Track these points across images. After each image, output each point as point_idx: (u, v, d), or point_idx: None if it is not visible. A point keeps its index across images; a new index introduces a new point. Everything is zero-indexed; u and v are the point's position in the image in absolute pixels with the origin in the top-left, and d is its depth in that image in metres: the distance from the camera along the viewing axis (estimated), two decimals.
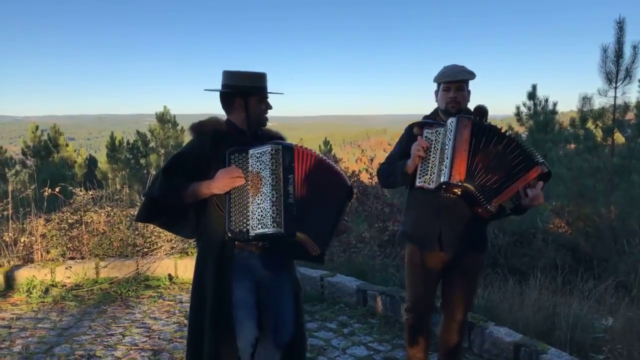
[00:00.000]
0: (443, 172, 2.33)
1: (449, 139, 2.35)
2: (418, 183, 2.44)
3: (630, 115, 8.11)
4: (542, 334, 3.30)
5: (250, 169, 2.08)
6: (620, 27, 7.21)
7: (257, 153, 2.08)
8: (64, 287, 4.70)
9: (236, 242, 2.15)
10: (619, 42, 7.26)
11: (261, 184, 2.04)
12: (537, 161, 2.31)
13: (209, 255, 2.18)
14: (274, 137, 2.33)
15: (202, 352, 2.17)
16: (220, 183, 2.07)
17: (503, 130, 2.38)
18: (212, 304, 2.14)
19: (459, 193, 2.40)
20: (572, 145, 9.65)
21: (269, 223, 1.99)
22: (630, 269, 5.38)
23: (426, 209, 2.54)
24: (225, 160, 2.11)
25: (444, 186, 2.35)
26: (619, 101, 7.74)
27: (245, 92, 2.22)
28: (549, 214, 8.31)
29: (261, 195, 2.03)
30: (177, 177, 2.14)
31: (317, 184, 2.14)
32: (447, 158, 2.33)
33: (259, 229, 2.01)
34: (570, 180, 7.66)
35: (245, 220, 2.05)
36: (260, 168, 2.05)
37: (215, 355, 2.13)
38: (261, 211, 2.02)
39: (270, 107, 2.30)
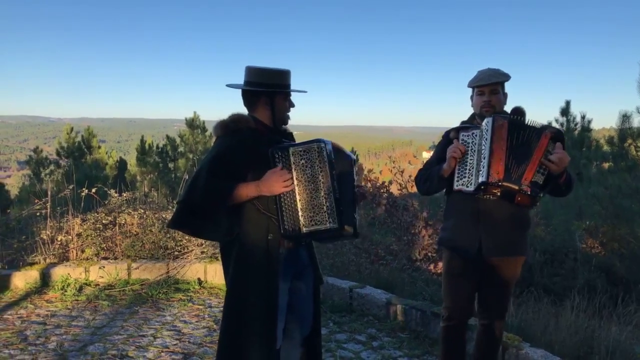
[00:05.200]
0: (481, 172, 2.31)
1: (485, 139, 2.35)
2: (456, 186, 2.42)
3: None
4: (579, 358, 3.20)
5: (293, 166, 2.10)
6: None
7: (300, 151, 2.10)
8: (97, 287, 4.80)
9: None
10: None
11: (310, 181, 2.07)
12: (543, 127, 2.35)
13: (252, 258, 2.16)
14: (290, 135, 2.34)
15: (237, 355, 2.17)
16: (273, 186, 2.07)
17: (533, 123, 2.37)
18: (261, 309, 2.14)
19: (499, 194, 2.36)
20: (606, 164, 9.41)
21: (325, 219, 2.04)
22: None
23: (465, 214, 2.51)
24: (270, 159, 2.12)
25: (482, 187, 2.32)
26: None
27: (272, 89, 2.19)
28: (582, 233, 8.10)
29: (310, 192, 2.07)
30: (221, 181, 2.10)
31: (342, 171, 2.18)
32: (484, 158, 2.32)
33: (312, 225, 2.06)
34: (607, 199, 7.45)
35: (296, 218, 2.08)
36: (307, 165, 2.08)
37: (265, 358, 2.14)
38: (313, 208, 2.06)
39: (293, 105, 2.29)
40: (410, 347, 3.60)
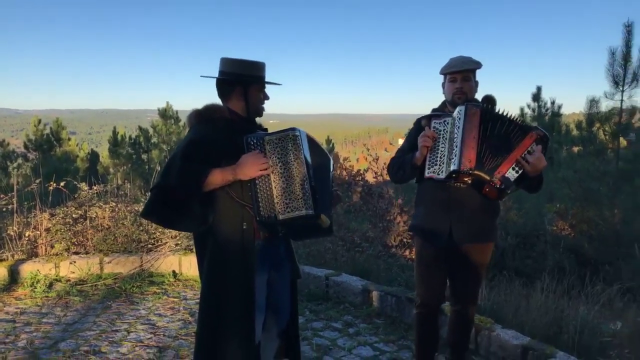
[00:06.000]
0: (453, 160, 2.31)
1: (458, 127, 2.34)
2: (427, 174, 2.43)
3: (637, 119, 8.10)
4: (548, 338, 3.28)
5: (268, 154, 2.09)
6: (629, 30, 7.19)
7: (275, 139, 2.10)
8: (68, 282, 4.69)
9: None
10: (627, 46, 7.25)
11: (284, 168, 2.07)
12: (531, 127, 2.35)
13: (227, 248, 2.14)
14: (265, 129, 2.34)
15: (216, 352, 2.16)
16: (249, 169, 2.05)
17: (508, 114, 2.38)
18: (237, 301, 2.13)
19: (470, 182, 2.38)
20: (575, 148, 9.65)
21: (301, 205, 2.04)
22: (635, 274, 5.36)
23: (436, 201, 2.54)
24: (244, 146, 2.10)
25: (454, 175, 2.33)
26: (626, 104, 7.74)
27: (245, 80, 2.19)
28: (552, 216, 8.30)
29: (286, 179, 2.06)
30: (196, 165, 2.07)
31: (317, 163, 2.20)
32: (456, 146, 2.32)
33: (287, 212, 2.05)
34: (576, 182, 7.64)
35: (271, 205, 2.07)
36: (282, 153, 2.08)
37: (242, 351, 2.14)
38: (289, 195, 2.05)
39: (267, 98, 2.29)
40: (386, 333, 3.64)
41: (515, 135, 2.32)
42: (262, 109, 2.29)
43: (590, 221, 7.98)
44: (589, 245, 7.39)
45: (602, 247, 7.35)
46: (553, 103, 11.34)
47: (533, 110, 11.82)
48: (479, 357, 3.23)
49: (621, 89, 7.57)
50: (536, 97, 11.77)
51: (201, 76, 2.31)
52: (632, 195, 7.82)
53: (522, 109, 11.81)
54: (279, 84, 2.31)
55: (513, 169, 2.31)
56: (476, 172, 2.29)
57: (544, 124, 10.99)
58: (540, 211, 8.39)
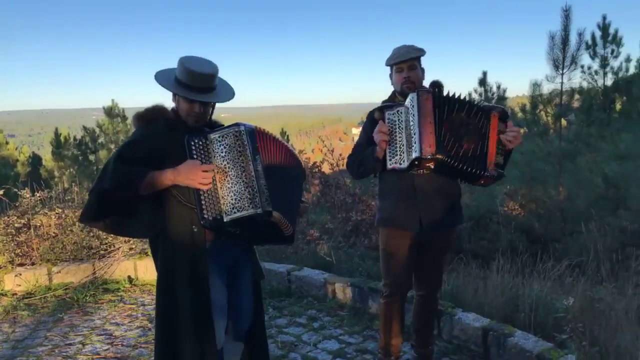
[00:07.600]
0: (413, 147, 2.30)
1: (413, 115, 2.34)
2: (389, 165, 2.41)
3: (576, 100, 8.50)
4: (506, 317, 3.39)
5: (212, 154, 2.01)
6: (567, 14, 7.48)
7: (219, 137, 2.02)
8: (15, 296, 4.43)
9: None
10: (566, 30, 7.54)
11: (229, 167, 1.99)
12: (490, 107, 2.39)
13: (178, 252, 2.07)
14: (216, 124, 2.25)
15: (177, 356, 2.09)
16: (189, 179, 1.96)
17: (460, 96, 2.40)
18: (192, 305, 2.06)
19: (432, 167, 2.38)
20: (521, 130, 10.03)
21: (246, 205, 1.95)
22: (581, 249, 5.64)
23: (402, 191, 2.54)
24: (185, 147, 2.01)
25: (416, 162, 2.33)
26: (566, 87, 8.09)
27: (171, 89, 2.09)
28: (503, 197, 8.60)
29: (231, 178, 1.98)
30: (131, 167, 1.99)
31: (278, 163, 2.13)
32: (414, 134, 2.31)
33: (233, 213, 1.96)
34: (523, 164, 7.94)
35: (217, 206, 1.98)
36: (226, 152, 2.00)
37: (201, 356, 2.07)
38: (234, 195, 1.97)
39: (195, 110, 2.06)
40: (350, 325, 3.65)
41: (480, 120, 2.34)
42: (192, 120, 2.09)
43: (537, 200, 8.33)
44: (538, 223, 7.71)
45: (549, 224, 7.70)
46: (499, 87, 11.72)
47: (480, 95, 12.16)
48: (442, 342, 3.30)
49: (561, 72, 7.89)
50: (482, 82, 12.12)
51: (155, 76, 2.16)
52: (574, 173, 8.23)
53: (469, 94, 12.14)
54: (195, 100, 2.05)
55: (498, 153, 2.36)
56: (438, 156, 2.29)
57: None
58: (491, 193, 8.67)
